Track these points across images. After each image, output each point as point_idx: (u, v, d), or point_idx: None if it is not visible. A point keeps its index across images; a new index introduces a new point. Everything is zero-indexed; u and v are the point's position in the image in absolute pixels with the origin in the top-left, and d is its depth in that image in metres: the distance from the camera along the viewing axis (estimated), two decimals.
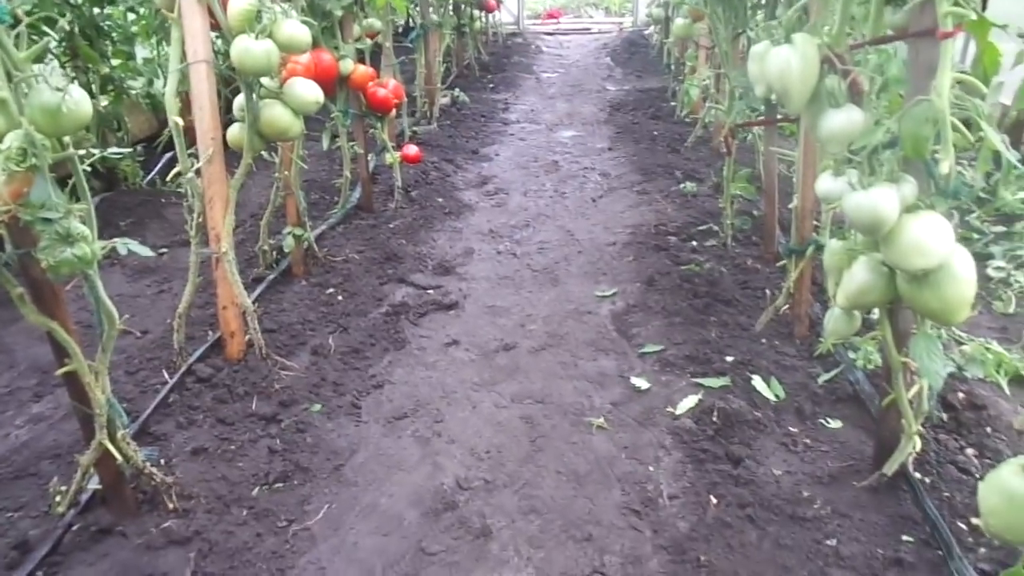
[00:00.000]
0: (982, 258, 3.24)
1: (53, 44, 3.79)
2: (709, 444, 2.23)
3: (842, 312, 1.92)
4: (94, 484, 1.94)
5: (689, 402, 2.42)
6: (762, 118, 3.07)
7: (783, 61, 1.62)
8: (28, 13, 1.52)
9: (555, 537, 1.94)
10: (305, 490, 2.11)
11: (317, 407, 2.46)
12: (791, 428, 2.31)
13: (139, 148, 4.70)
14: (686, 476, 2.13)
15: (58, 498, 1.94)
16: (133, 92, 4.76)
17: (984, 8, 1.59)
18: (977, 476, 2.03)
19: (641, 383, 2.58)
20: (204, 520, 1.95)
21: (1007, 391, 2.41)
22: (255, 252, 3.41)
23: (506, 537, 1.95)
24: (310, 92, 2.53)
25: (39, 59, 1.58)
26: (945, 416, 2.27)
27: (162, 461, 2.15)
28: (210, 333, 2.82)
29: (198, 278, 2.65)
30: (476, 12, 8.34)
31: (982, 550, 1.80)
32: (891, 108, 1.74)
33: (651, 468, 2.17)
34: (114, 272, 3.45)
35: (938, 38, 1.49)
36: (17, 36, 1.48)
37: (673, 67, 7.10)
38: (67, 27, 2.18)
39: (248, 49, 2.26)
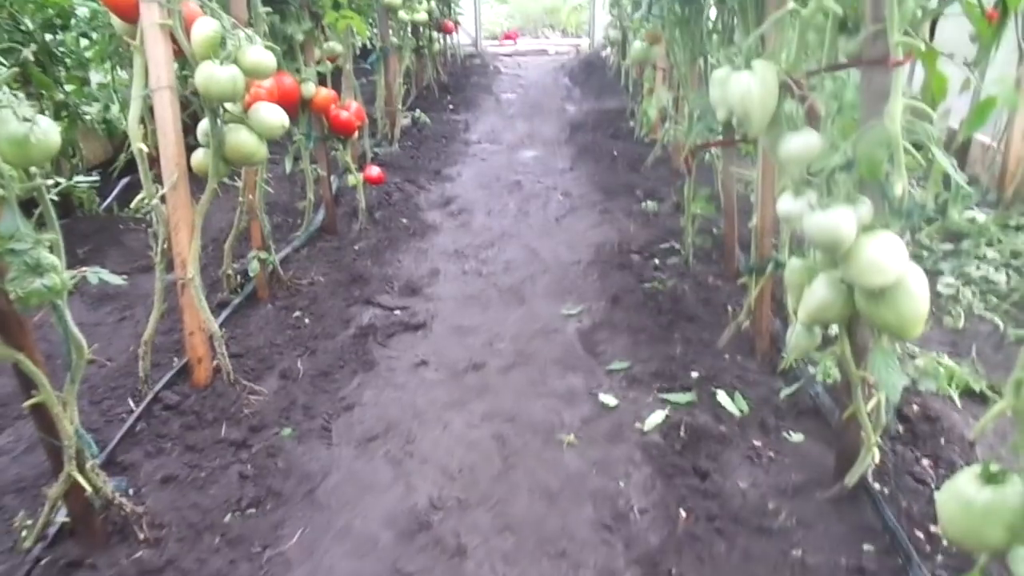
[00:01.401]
0: (932, 275, 3.35)
1: (4, 72, 3.72)
2: (677, 459, 2.27)
3: (803, 328, 1.98)
4: (62, 517, 1.91)
5: (657, 418, 2.47)
6: (721, 139, 3.15)
7: (744, 86, 1.69)
8: None
9: (530, 554, 1.96)
10: (278, 515, 2.09)
11: (287, 431, 2.45)
12: (755, 442, 2.37)
13: (94, 174, 4.63)
14: (656, 490, 2.17)
15: (24, 532, 1.89)
16: (88, 118, 4.68)
17: (932, 37, 1.67)
18: (933, 486, 2.11)
19: (609, 400, 2.62)
20: (176, 549, 1.93)
21: (958, 403, 2.51)
22: (219, 276, 3.38)
23: (481, 555, 1.96)
24: (275, 117, 2.53)
25: None
26: (901, 428, 2.35)
27: (131, 491, 2.12)
28: (176, 360, 2.79)
29: (163, 304, 2.62)
30: (434, 34, 8.40)
31: (939, 557, 1.87)
32: (844, 131, 1.81)
33: (621, 483, 2.21)
34: (74, 300, 3.38)
35: (889, 66, 1.57)
36: None
37: (631, 88, 7.23)
38: (30, 56, 2.15)
39: (213, 75, 2.26)
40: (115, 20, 2.45)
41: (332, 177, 4.30)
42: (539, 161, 5.87)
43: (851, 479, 2.00)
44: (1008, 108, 1.62)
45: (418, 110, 6.84)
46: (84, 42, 4.53)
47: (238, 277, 3.38)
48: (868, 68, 1.66)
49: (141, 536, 1.94)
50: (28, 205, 1.56)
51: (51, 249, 1.58)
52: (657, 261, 3.76)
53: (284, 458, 2.32)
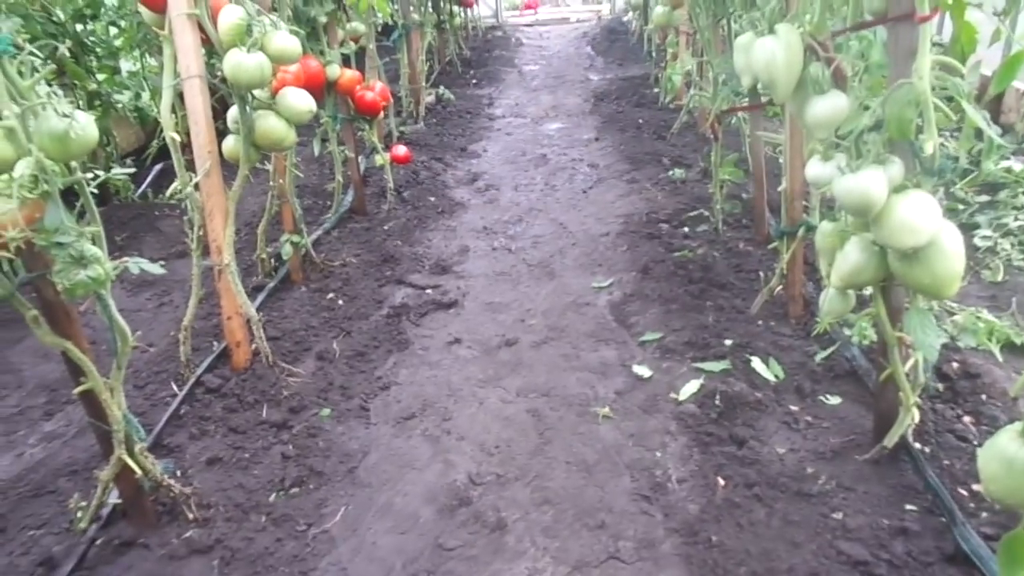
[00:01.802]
0: (968, 228, 3.30)
1: (39, 64, 3.80)
2: (713, 427, 2.28)
3: (837, 292, 1.97)
4: (114, 498, 1.98)
5: (691, 387, 2.47)
6: (747, 103, 3.11)
7: (768, 52, 1.67)
8: (27, 40, 1.54)
9: (569, 526, 1.99)
10: (321, 494, 2.15)
11: (326, 411, 2.50)
12: (792, 407, 2.37)
13: (128, 161, 4.72)
14: (693, 460, 2.18)
15: (79, 514, 1.97)
16: (119, 106, 4.76)
17: None
18: (975, 443, 2.09)
19: (643, 371, 2.62)
20: (224, 528, 1.99)
21: (1000, 358, 2.47)
22: (253, 261, 3.43)
23: (521, 529, 1.99)
24: (303, 102, 2.55)
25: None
26: (941, 386, 2.33)
27: (178, 472, 2.19)
28: (215, 344, 2.85)
29: (201, 290, 2.68)
30: (455, 8, 8.35)
31: (984, 515, 1.86)
32: (873, 90, 1.78)
33: (658, 454, 2.22)
34: (115, 287, 3.45)
35: (916, 21, 1.54)
36: (20, 64, 1.51)
37: (654, 54, 7.13)
38: (66, 52, 2.20)
39: (241, 63, 2.28)
40: (143, 10, 2.48)
41: (360, 158, 4.33)
42: (564, 133, 5.84)
43: (890, 440, 2.00)
44: None
45: (442, 86, 6.83)
46: (113, 31, 4.60)
47: (272, 261, 3.43)
48: (894, 25, 1.63)
49: (190, 516, 2.00)
50: (68, 195, 1.60)
51: (93, 241, 1.62)
52: (686, 229, 3.73)
53: (324, 438, 2.37)
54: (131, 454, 1.87)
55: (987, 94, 1.94)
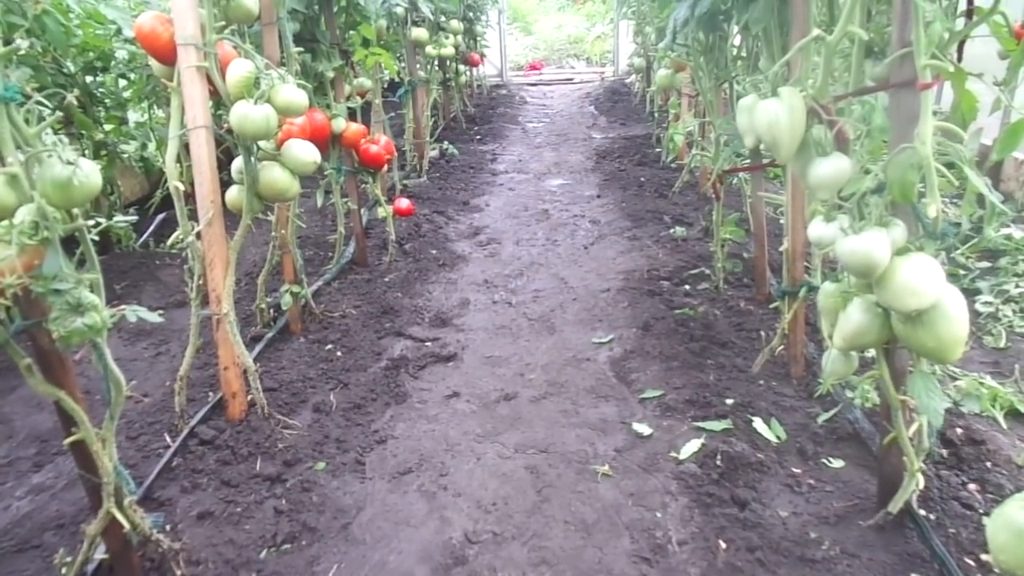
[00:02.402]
0: (970, 294, 3.30)
1: (47, 112, 3.86)
2: (715, 488, 2.24)
3: (839, 353, 1.95)
4: (100, 553, 1.93)
5: (692, 446, 2.43)
6: (748, 163, 3.14)
7: (772, 113, 1.68)
8: (36, 89, 1.56)
9: None
10: (313, 550, 2.09)
11: (321, 465, 2.45)
12: (794, 469, 2.33)
13: (131, 210, 4.75)
14: (694, 521, 2.13)
15: (64, 570, 1.91)
16: (125, 156, 4.82)
17: (959, 58, 1.66)
18: (981, 512, 2.05)
19: (643, 429, 2.59)
20: None
21: (1004, 425, 2.44)
22: (252, 310, 3.42)
23: None
24: (308, 153, 2.58)
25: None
26: (945, 452, 2.29)
27: (168, 527, 2.14)
28: (210, 394, 2.82)
29: (198, 339, 2.66)
30: (461, 67, 8.52)
31: None
32: (873, 154, 1.80)
33: (658, 514, 2.18)
34: (111, 336, 3.44)
35: (918, 89, 1.56)
36: (27, 112, 1.53)
37: (656, 114, 7.26)
38: (74, 101, 2.23)
39: (247, 114, 2.31)
40: (153, 62, 2.53)
41: (362, 210, 4.35)
42: (566, 189, 5.89)
43: (895, 506, 1.95)
44: None
45: (446, 141, 6.93)
46: (122, 82, 4.68)
47: (271, 311, 3.42)
48: (896, 91, 1.65)
49: (178, 572, 1.95)
50: (69, 243, 1.60)
51: (92, 288, 1.61)
52: (687, 287, 3.73)
53: (318, 492, 2.32)
54: (120, 507, 1.83)
55: (988, 161, 1.96)
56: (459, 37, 7.38)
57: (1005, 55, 1.96)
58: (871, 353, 2.30)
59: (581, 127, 8.36)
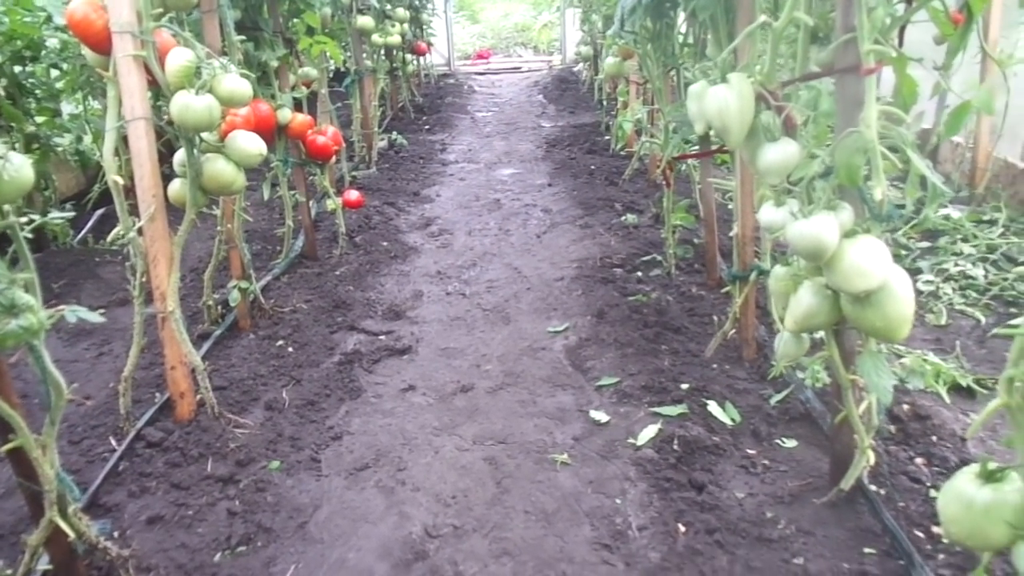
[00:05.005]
0: (911, 273, 3.36)
1: None
2: (672, 472, 2.26)
3: (791, 335, 1.98)
4: (43, 564, 1.85)
5: (649, 432, 2.45)
6: (697, 150, 3.17)
7: (721, 100, 1.69)
8: None
9: None
10: (269, 551, 2.05)
11: (275, 464, 2.40)
12: (749, 450, 2.36)
13: (67, 206, 4.57)
14: (653, 506, 2.15)
15: None
16: (60, 149, 4.64)
17: (900, 44, 1.69)
18: (928, 485, 2.11)
19: (600, 416, 2.60)
20: None
21: (947, 400, 2.52)
22: (199, 308, 3.33)
23: None
24: (253, 145, 2.51)
25: None
26: (893, 428, 2.36)
27: (116, 533, 2.07)
28: (157, 395, 2.74)
29: (143, 339, 2.57)
30: (408, 56, 8.42)
31: (941, 557, 1.86)
32: (818, 139, 1.82)
33: (618, 501, 2.19)
34: (50, 337, 3.32)
35: (862, 74, 1.59)
36: None
37: (605, 103, 7.28)
38: (2, 92, 2.12)
39: (189, 105, 2.23)
40: (87, 52, 2.42)
41: (311, 202, 4.27)
42: (517, 178, 5.88)
43: (847, 483, 2.00)
44: (985, 113, 1.64)
45: (394, 132, 6.86)
46: (54, 73, 4.50)
47: (219, 308, 3.34)
48: (841, 76, 1.67)
49: None
50: (0, 241, 1.52)
51: (26, 288, 1.54)
52: (640, 274, 3.76)
53: (273, 492, 2.27)
54: (63, 515, 1.76)
55: (929, 144, 2.00)
56: (405, 26, 7.29)
57: (941, 40, 2.01)
58: (820, 335, 2.35)
59: (530, 116, 8.34)
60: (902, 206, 1.93)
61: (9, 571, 1.85)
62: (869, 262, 1.59)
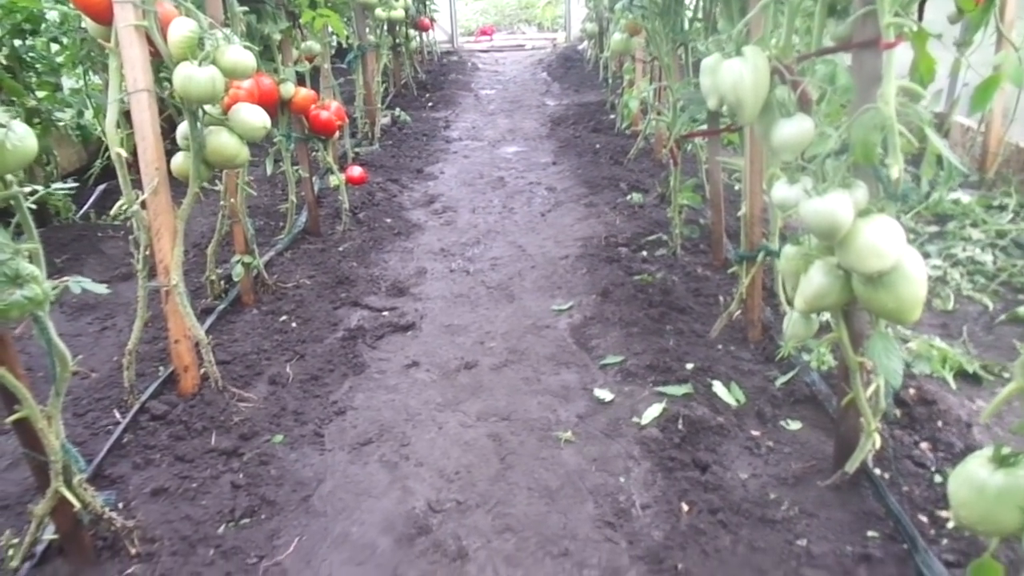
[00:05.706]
0: None
1: None
2: (676, 452, 2.25)
3: (800, 316, 1.97)
4: (50, 534, 1.86)
5: (653, 411, 2.44)
6: (707, 128, 3.14)
7: (736, 73, 1.66)
8: None
9: (532, 555, 1.93)
10: (273, 524, 2.05)
11: (279, 438, 2.40)
12: (753, 432, 2.36)
13: (69, 181, 4.53)
14: (656, 485, 2.15)
15: (11, 551, 1.84)
16: (61, 124, 4.59)
17: (920, 18, 1.66)
18: (933, 470, 2.11)
19: (605, 395, 2.59)
20: (170, 563, 1.88)
21: (953, 385, 2.51)
22: (202, 282, 3.32)
23: (483, 558, 1.93)
24: (257, 118, 2.48)
25: None
26: (899, 412, 2.35)
27: (121, 504, 2.07)
28: (161, 369, 2.73)
29: (146, 312, 2.56)
30: (411, 32, 8.34)
31: (944, 542, 1.86)
32: (831, 116, 1.80)
33: (622, 479, 2.19)
34: (54, 310, 3.29)
35: (880, 48, 1.56)
36: None
37: (610, 81, 7.21)
38: (2, 63, 2.09)
39: (192, 76, 2.21)
40: (88, 23, 2.38)
41: (314, 178, 4.24)
42: (521, 157, 5.84)
43: (852, 465, 1.99)
44: (1016, 85, 1.61)
45: (398, 108, 6.79)
46: (55, 47, 4.45)
47: (222, 282, 3.32)
48: (859, 51, 1.64)
49: (133, 551, 1.89)
50: (3, 214, 1.50)
51: (31, 259, 1.53)
52: (645, 253, 3.74)
53: (277, 466, 2.27)
54: (69, 486, 1.76)
55: (945, 124, 1.98)
56: (408, 0, 7.20)
57: (956, 18, 1.97)
58: (826, 316, 2.33)
59: (535, 94, 8.27)
60: (918, 185, 1.90)
61: (16, 540, 1.85)
62: (884, 242, 1.56)
